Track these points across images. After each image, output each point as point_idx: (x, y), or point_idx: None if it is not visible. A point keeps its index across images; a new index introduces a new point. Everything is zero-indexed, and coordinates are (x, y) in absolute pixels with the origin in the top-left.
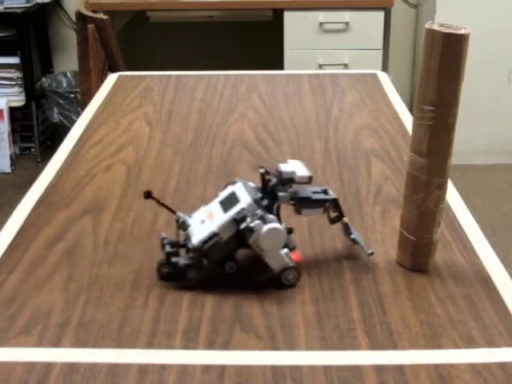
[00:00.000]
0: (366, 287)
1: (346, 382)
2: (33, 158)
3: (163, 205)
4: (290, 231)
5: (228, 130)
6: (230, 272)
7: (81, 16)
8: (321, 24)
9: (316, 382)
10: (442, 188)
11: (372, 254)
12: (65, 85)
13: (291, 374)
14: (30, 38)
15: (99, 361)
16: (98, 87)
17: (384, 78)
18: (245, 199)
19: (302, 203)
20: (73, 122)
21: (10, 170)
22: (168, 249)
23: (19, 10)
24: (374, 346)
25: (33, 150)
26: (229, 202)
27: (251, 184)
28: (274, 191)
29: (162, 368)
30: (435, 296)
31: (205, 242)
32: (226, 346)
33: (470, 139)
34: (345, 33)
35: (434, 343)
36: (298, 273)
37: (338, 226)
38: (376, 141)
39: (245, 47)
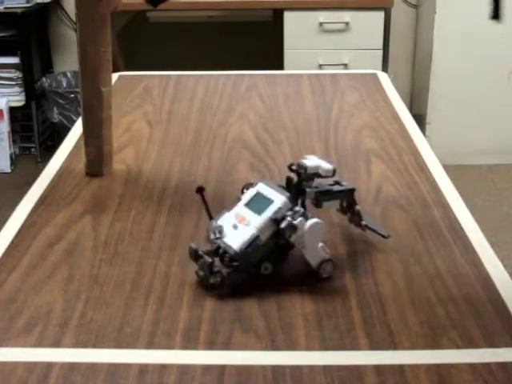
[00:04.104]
0: (365, 287)
1: (345, 382)
2: (33, 157)
3: (206, 206)
4: None
5: (228, 130)
6: (265, 273)
7: None
8: (321, 24)
9: (316, 382)
10: None
11: (389, 236)
12: (65, 85)
13: (291, 373)
14: (30, 38)
15: (99, 361)
16: None
17: (384, 78)
18: (278, 198)
19: (323, 196)
20: (73, 122)
21: (9, 170)
22: (208, 259)
23: (19, 10)
24: (374, 346)
25: (33, 150)
26: (259, 203)
27: (272, 182)
28: (299, 187)
29: (162, 368)
30: (435, 296)
31: (247, 246)
32: (226, 346)
33: (470, 139)
34: (345, 33)
35: (434, 343)
36: (334, 264)
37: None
38: (376, 141)
39: (245, 47)
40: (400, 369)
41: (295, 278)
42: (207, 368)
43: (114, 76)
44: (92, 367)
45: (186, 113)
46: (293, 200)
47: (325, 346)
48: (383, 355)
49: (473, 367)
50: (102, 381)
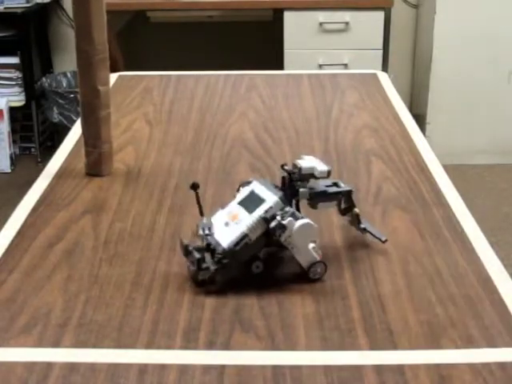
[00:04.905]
0: (365, 287)
1: (345, 382)
2: (33, 157)
3: (198, 203)
4: None
5: (228, 130)
6: (256, 272)
7: None
8: (321, 24)
9: (316, 381)
10: None
11: (386, 240)
12: (65, 85)
13: (291, 374)
14: (30, 38)
15: (99, 361)
16: None
17: (384, 78)
18: (270, 198)
19: (318, 197)
20: (73, 122)
21: (9, 170)
22: (197, 255)
23: (19, 10)
24: (374, 346)
25: (33, 150)
26: (251, 201)
27: (267, 181)
28: (293, 187)
29: (162, 368)
30: (435, 296)
31: (236, 244)
32: (226, 346)
33: (470, 139)
34: (345, 33)
35: (434, 343)
36: (325, 266)
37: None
38: (376, 141)
39: (245, 47)
40: (400, 369)
41: (295, 278)
42: (207, 368)
43: (114, 76)
44: (92, 367)
45: (185, 113)
46: (285, 200)
47: (325, 346)
48: (383, 355)
49: (473, 367)
50: (102, 381)
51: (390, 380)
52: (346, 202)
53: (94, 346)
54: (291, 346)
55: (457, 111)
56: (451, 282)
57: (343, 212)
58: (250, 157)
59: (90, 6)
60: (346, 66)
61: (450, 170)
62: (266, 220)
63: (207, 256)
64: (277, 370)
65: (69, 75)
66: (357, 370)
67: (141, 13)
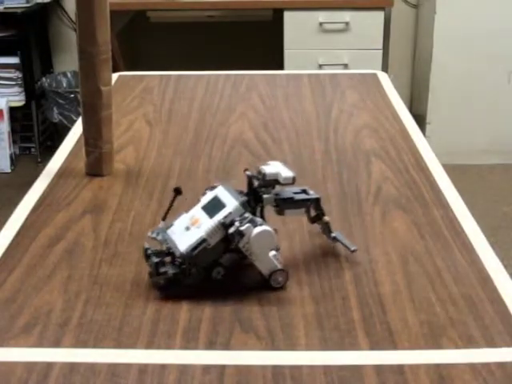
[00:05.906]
0: (365, 287)
1: (345, 382)
2: (33, 157)
3: (169, 207)
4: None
5: (228, 130)
6: (217, 278)
7: None
8: (321, 24)
9: (316, 382)
10: None
11: (355, 250)
12: (65, 85)
13: (291, 373)
14: (29, 38)
15: (99, 361)
16: None
17: (384, 78)
18: (231, 203)
19: (284, 204)
20: (73, 122)
21: (9, 170)
22: (154, 259)
23: (19, 10)
24: (374, 346)
25: (33, 150)
26: (213, 206)
27: (232, 187)
28: (257, 193)
29: (162, 368)
30: (435, 296)
31: (193, 248)
32: (226, 346)
33: (470, 139)
34: (345, 33)
35: (434, 343)
36: (287, 274)
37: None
38: (376, 141)
39: (245, 47)
40: (400, 369)
41: (295, 278)
42: (207, 368)
43: (114, 76)
44: (92, 367)
45: (185, 112)
46: (247, 206)
47: (325, 346)
48: (383, 355)
49: (473, 367)
50: (102, 381)
51: (390, 380)
52: (315, 209)
53: (94, 346)
54: (291, 346)
55: (457, 111)
56: (451, 282)
57: (312, 220)
58: (249, 157)
59: (94, 7)
60: (346, 66)
61: (449, 169)
62: (224, 225)
63: (167, 260)
64: (277, 370)
65: (69, 75)
66: (357, 370)
67: (141, 13)
